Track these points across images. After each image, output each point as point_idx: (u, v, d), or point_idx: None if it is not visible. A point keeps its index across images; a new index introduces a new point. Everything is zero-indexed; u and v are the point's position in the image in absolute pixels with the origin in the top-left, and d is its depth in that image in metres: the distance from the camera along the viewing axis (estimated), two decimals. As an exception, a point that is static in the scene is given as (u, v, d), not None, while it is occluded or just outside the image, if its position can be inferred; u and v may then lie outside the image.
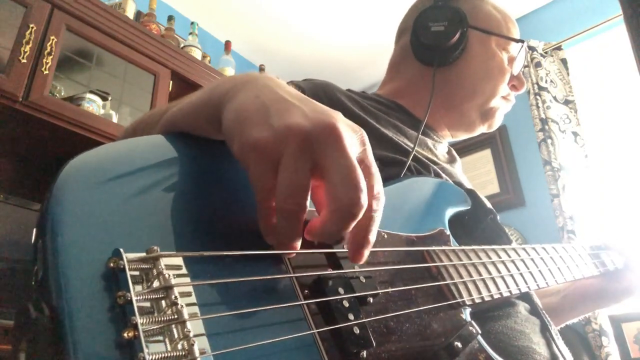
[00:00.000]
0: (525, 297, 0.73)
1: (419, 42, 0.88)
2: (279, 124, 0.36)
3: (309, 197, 0.37)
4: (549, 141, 2.46)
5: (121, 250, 0.31)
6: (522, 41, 0.92)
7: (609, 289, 0.95)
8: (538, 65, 2.59)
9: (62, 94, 1.71)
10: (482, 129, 0.95)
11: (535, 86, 2.56)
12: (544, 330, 0.70)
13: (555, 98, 2.55)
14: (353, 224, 0.37)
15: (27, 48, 1.51)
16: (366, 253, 0.40)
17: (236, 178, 0.43)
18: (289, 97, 0.39)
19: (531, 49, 2.61)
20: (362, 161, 0.39)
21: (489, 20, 0.91)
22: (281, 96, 0.39)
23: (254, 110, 0.38)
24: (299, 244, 0.38)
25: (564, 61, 2.62)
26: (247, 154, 0.36)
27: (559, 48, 2.64)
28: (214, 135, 0.44)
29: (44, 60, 1.55)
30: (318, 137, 0.36)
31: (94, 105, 1.70)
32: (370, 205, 0.38)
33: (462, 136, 0.97)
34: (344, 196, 0.35)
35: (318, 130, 0.36)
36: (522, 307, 0.70)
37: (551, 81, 2.59)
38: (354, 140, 0.39)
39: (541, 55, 2.62)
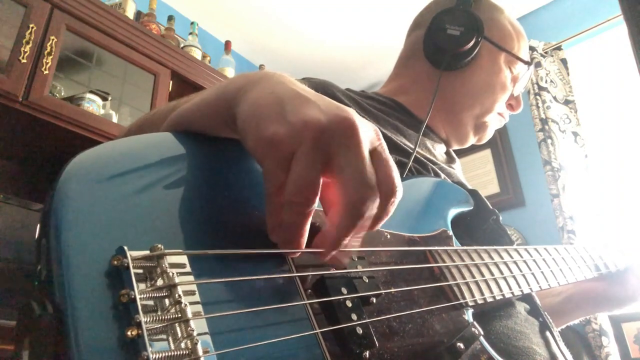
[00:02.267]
0: (526, 297, 0.72)
1: (432, 41, 0.88)
2: (295, 119, 0.36)
3: (318, 194, 0.37)
4: (549, 141, 2.46)
5: (125, 248, 0.31)
6: (530, 63, 0.92)
7: (610, 292, 0.93)
8: (538, 65, 2.59)
9: (62, 94, 1.71)
10: (472, 141, 0.96)
11: (535, 86, 2.56)
12: (544, 331, 0.69)
13: (555, 98, 2.56)
14: (360, 223, 0.37)
15: (27, 48, 1.50)
16: (361, 233, 0.40)
17: (241, 177, 0.43)
18: (304, 92, 0.39)
19: (531, 49, 2.61)
20: (380, 154, 0.39)
21: (503, 34, 0.91)
22: (296, 92, 0.39)
23: (269, 105, 0.38)
24: (304, 242, 0.38)
25: (564, 61, 2.62)
26: (262, 149, 0.36)
27: (559, 48, 2.64)
28: (224, 132, 0.44)
29: (44, 60, 1.54)
30: (334, 132, 0.36)
31: (94, 105, 1.70)
32: (388, 196, 0.38)
33: (455, 146, 0.97)
34: (355, 193, 0.36)
35: (334, 125, 0.36)
36: (522, 308, 0.70)
37: (551, 81, 2.59)
38: (369, 135, 0.39)
39: (541, 55, 2.62)
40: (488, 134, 0.96)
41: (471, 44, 0.85)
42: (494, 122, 0.94)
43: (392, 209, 0.39)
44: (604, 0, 2.53)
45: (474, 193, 0.76)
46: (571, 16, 2.71)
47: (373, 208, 0.37)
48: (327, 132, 0.36)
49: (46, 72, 1.54)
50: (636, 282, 0.94)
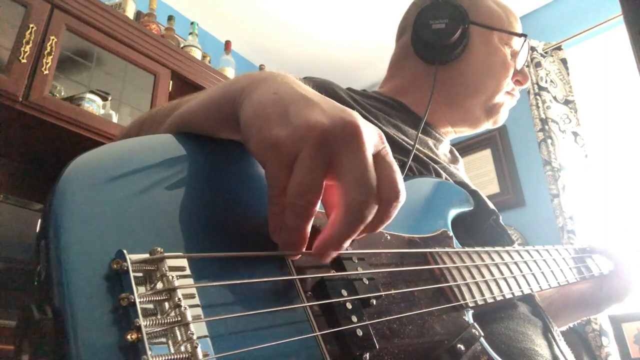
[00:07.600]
0: (527, 298, 0.72)
1: (420, 41, 0.87)
2: (298, 122, 0.36)
3: (320, 197, 0.36)
4: (549, 141, 2.46)
5: (124, 251, 0.31)
6: (525, 35, 0.90)
7: (596, 295, 0.89)
8: (538, 65, 2.59)
9: (62, 94, 1.71)
10: (487, 125, 0.94)
11: (535, 86, 2.56)
12: (546, 332, 0.69)
13: (555, 98, 2.55)
14: (361, 227, 0.37)
15: (27, 48, 1.50)
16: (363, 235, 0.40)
17: (241, 179, 0.43)
18: (307, 94, 0.39)
19: (531, 49, 2.61)
20: (383, 158, 0.38)
21: (490, 15, 0.90)
22: (300, 93, 0.39)
23: (272, 106, 0.37)
24: (305, 244, 0.38)
25: (564, 61, 2.62)
26: (265, 152, 0.36)
27: (559, 48, 2.64)
28: (226, 134, 0.44)
29: (44, 60, 1.54)
30: (337, 136, 0.36)
31: (94, 105, 1.70)
32: (390, 200, 0.38)
33: (466, 132, 0.96)
34: (356, 197, 0.35)
35: (338, 129, 0.36)
36: (524, 308, 0.70)
37: (551, 81, 2.59)
38: (373, 138, 0.38)
39: (541, 55, 2.61)
40: (502, 116, 0.94)
41: (459, 32, 0.84)
42: (505, 102, 0.93)
43: (394, 212, 0.39)
44: (604, 0, 2.53)
45: (474, 193, 0.76)
46: (571, 16, 2.71)
47: (374, 212, 0.36)
48: (330, 135, 0.36)
49: (46, 72, 1.54)
50: (618, 285, 0.89)
